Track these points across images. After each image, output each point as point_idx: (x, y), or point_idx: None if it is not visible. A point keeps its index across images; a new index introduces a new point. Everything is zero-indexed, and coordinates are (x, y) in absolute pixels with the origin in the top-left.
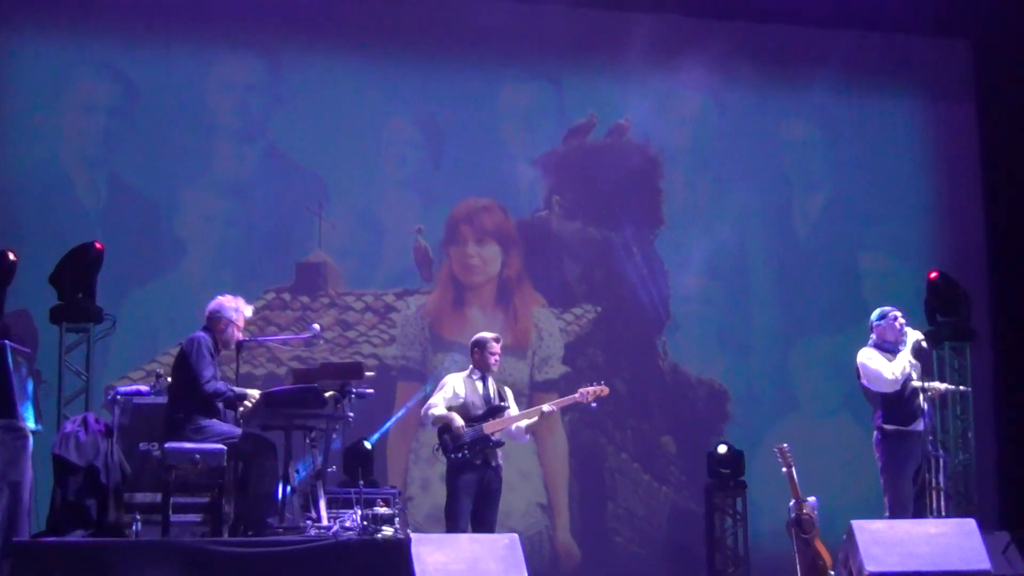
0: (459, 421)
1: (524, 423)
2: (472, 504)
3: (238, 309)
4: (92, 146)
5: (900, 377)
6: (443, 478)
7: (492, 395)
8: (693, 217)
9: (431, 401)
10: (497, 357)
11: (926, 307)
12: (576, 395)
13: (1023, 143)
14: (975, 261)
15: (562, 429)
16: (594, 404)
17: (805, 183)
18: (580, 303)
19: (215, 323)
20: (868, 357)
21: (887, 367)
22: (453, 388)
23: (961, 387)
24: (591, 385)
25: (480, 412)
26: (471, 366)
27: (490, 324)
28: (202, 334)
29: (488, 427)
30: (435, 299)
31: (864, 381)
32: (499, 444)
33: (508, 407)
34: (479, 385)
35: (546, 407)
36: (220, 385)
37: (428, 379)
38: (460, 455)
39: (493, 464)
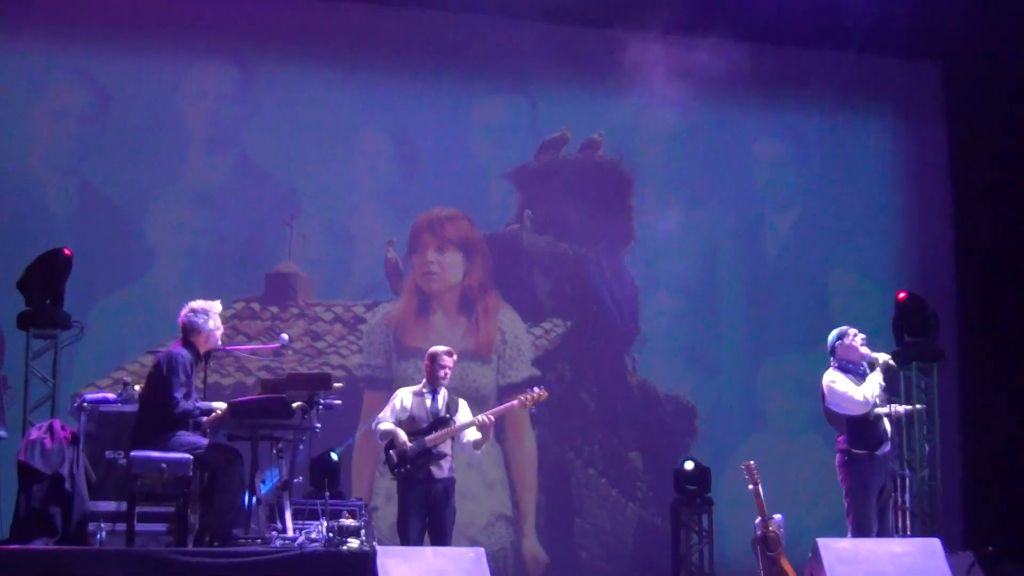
0: (403, 436)
1: (471, 438)
2: (426, 517)
3: (208, 314)
4: (63, 152)
5: (872, 400)
6: None
7: (440, 408)
8: (664, 233)
9: (379, 416)
10: (448, 371)
11: (894, 327)
12: (514, 402)
13: (993, 165)
14: (944, 281)
15: (532, 439)
16: (533, 409)
17: (776, 201)
18: (550, 317)
19: (194, 336)
20: (834, 380)
21: (857, 390)
22: (401, 402)
23: (917, 405)
24: (531, 391)
25: (424, 425)
26: (424, 379)
27: (453, 331)
28: (181, 351)
29: (430, 440)
30: (400, 307)
31: (830, 404)
32: (442, 456)
33: (453, 419)
34: (428, 399)
35: (480, 417)
36: (188, 405)
37: (393, 387)
38: (403, 470)
39: (438, 476)
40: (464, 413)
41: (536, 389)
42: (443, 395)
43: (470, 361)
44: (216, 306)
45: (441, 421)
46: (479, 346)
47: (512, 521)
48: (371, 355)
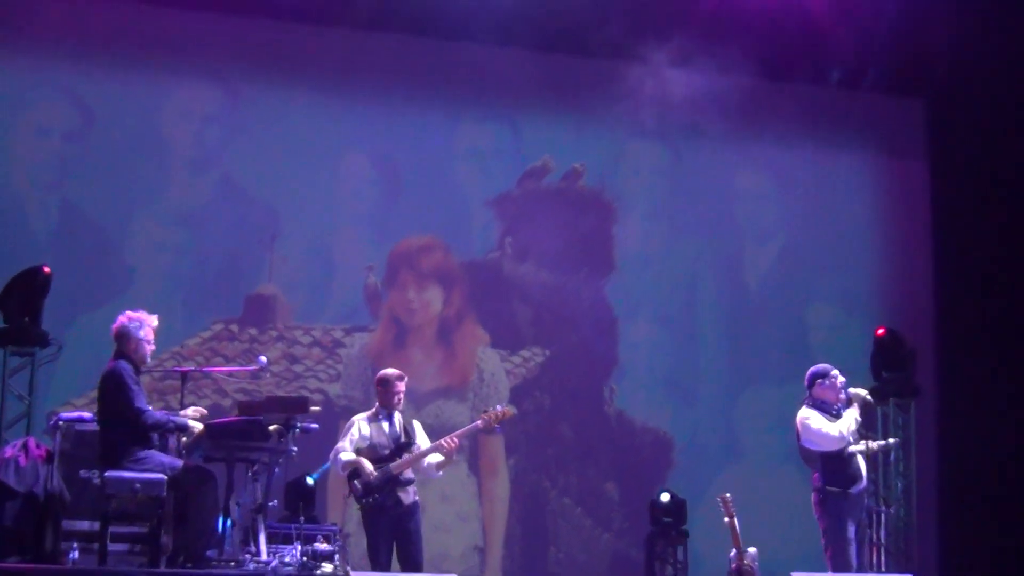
0: (368, 467)
1: (433, 460)
2: (394, 545)
3: (142, 323)
4: (45, 170)
5: (847, 435)
6: None
7: (399, 433)
8: (644, 263)
9: (339, 446)
10: (400, 396)
11: (872, 362)
12: (478, 422)
13: (973, 202)
14: (923, 317)
15: (505, 474)
16: (498, 428)
17: (757, 234)
18: (529, 345)
19: (125, 345)
20: (808, 416)
21: (832, 426)
22: (359, 430)
23: (891, 440)
24: (494, 408)
25: (387, 452)
26: (376, 405)
27: (430, 364)
28: (119, 363)
29: (396, 467)
30: (377, 339)
31: (805, 442)
32: (409, 481)
33: (415, 444)
34: (384, 425)
35: (445, 440)
36: (159, 415)
37: None
38: (371, 499)
39: (406, 502)
40: (422, 436)
41: (500, 407)
42: (398, 419)
43: (446, 398)
44: (152, 320)
45: (404, 446)
46: (455, 380)
47: (484, 551)
48: (349, 386)
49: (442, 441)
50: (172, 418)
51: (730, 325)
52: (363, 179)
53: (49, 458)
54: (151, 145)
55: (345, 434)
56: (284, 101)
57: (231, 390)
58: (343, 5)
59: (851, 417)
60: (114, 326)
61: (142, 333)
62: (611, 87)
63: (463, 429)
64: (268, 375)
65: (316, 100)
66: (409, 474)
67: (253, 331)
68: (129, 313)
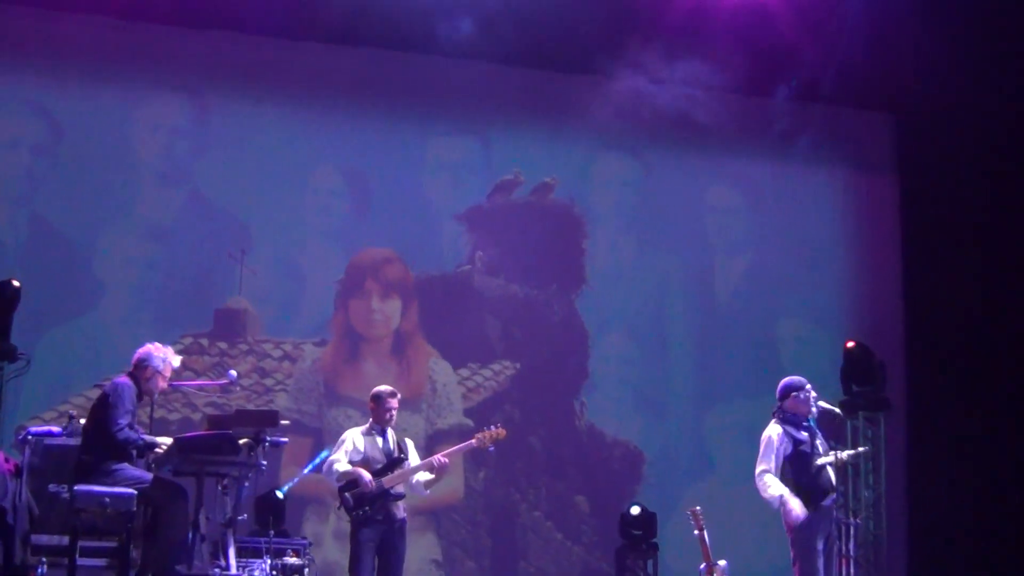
0: (367, 476)
1: (423, 478)
2: (376, 560)
3: (166, 359)
4: (13, 183)
5: (774, 501)
6: (336, 535)
7: (392, 448)
8: (615, 278)
9: (333, 457)
10: (393, 412)
11: (842, 376)
12: (472, 441)
13: (942, 217)
14: (892, 331)
15: (460, 474)
16: (491, 448)
17: (727, 248)
18: (499, 359)
19: (141, 371)
20: (768, 438)
21: (771, 479)
22: (353, 443)
23: (860, 448)
24: (488, 428)
25: (380, 466)
26: (370, 420)
27: (384, 377)
28: (127, 381)
29: (388, 481)
30: (330, 352)
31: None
32: (400, 496)
33: (407, 459)
34: (379, 440)
35: (436, 458)
36: (131, 434)
37: (323, 435)
38: (362, 511)
39: (398, 517)
40: (413, 454)
41: (494, 427)
42: (392, 435)
43: (400, 408)
44: (176, 360)
45: (396, 461)
46: (409, 392)
47: (441, 564)
48: (300, 400)
49: (432, 459)
50: (142, 436)
51: (700, 339)
52: (333, 193)
53: (18, 472)
54: (120, 159)
55: (338, 447)
56: (253, 115)
57: (201, 404)
58: (313, 19)
59: (781, 490)
60: (139, 351)
61: (162, 367)
62: (581, 101)
63: (456, 448)
64: (238, 389)
65: (286, 114)
66: (400, 489)
67: (223, 345)
68: (158, 345)
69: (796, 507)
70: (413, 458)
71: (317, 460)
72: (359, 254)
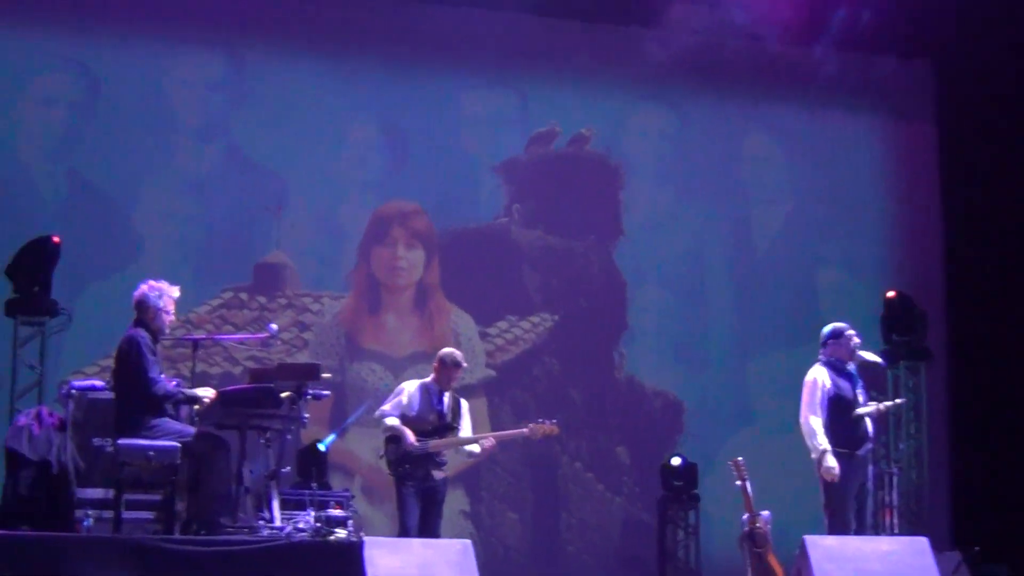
0: (411, 438)
1: (468, 448)
2: (418, 509)
3: (162, 294)
4: (52, 140)
5: (810, 444)
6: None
7: (446, 411)
8: (653, 228)
9: (387, 409)
10: (454, 382)
11: (882, 325)
12: (525, 430)
13: (982, 164)
14: (932, 280)
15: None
16: (540, 440)
17: (765, 198)
18: (538, 311)
19: (144, 313)
20: (812, 380)
21: (818, 426)
22: (408, 396)
23: (898, 400)
24: (542, 422)
25: (430, 428)
26: (432, 376)
27: (405, 331)
28: (137, 331)
29: (434, 445)
30: (351, 304)
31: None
32: (443, 463)
33: (459, 428)
34: (433, 400)
35: (484, 442)
36: (170, 386)
37: (345, 391)
38: (401, 469)
39: (437, 477)
40: (467, 419)
41: (548, 423)
42: (449, 398)
43: (423, 362)
44: (173, 291)
45: (447, 428)
46: (432, 345)
47: (469, 516)
48: (321, 355)
49: (483, 441)
50: (183, 389)
51: (739, 289)
52: (369, 146)
53: (62, 427)
54: (157, 114)
55: (392, 398)
56: (289, 69)
57: (242, 358)
58: None
59: (823, 443)
60: (135, 294)
61: (161, 303)
62: (617, 51)
63: (507, 432)
64: (278, 343)
65: (321, 67)
66: (444, 458)
67: (262, 299)
68: (151, 282)
69: (834, 466)
70: (466, 422)
71: (357, 414)
72: (384, 205)
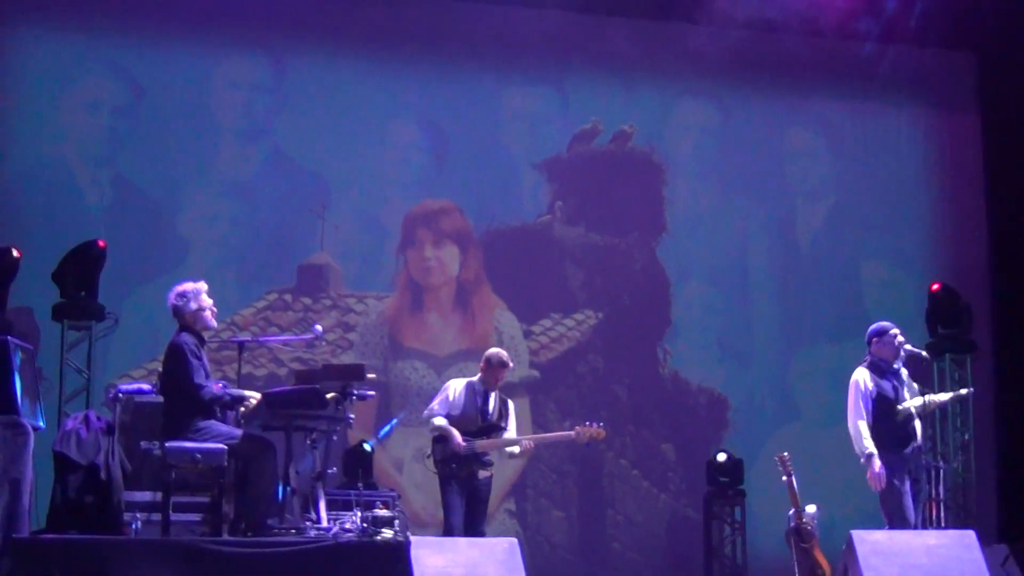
0: (458, 438)
1: (511, 449)
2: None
3: (190, 294)
4: (96, 144)
5: (856, 448)
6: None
7: (491, 411)
8: (696, 224)
9: (432, 406)
10: (500, 382)
11: (927, 318)
12: (571, 433)
13: None
14: (977, 272)
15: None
16: (587, 444)
17: (808, 192)
18: (582, 309)
19: (183, 320)
20: (856, 381)
21: (865, 429)
22: (454, 393)
23: (963, 391)
24: (589, 425)
25: (475, 428)
26: (479, 376)
27: (448, 329)
28: (181, 337)
29: (481, 445)
30: (393, 304)
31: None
32: (489, 464)
33: (505, 428)
34: (479, 399)
35: (526, 440)
36: (216, 390)
37: (390, 390)
38: (449, 468)
39: (481, 477)
40: (513, 421)
41: (595, 426)
42: (495, 398)
43: (466, 361)
44: (200, 286)
45: (492, 428)
46: (474, 343)
47: (516, 515)
48: (366, 355)
49: (524, 443)
50: (229, 391)
51: (783, 284)
52: (411, 145)
53: (109, 430)
54: (200, 117)
55: (438, 396)
56: (331, 70)
57: (287, 359)
58: None
59: (870, 446)
60: (169, 304)
61: (194, 304)
62: (658, 47)
63: (554, 434)
64: (323, 343)
65: (363, 68)
66: (490, 458)
67: (307, 300)
68: (177, 289)
69: (879, 472)
70: (512, 423)
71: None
72: (415, 206)
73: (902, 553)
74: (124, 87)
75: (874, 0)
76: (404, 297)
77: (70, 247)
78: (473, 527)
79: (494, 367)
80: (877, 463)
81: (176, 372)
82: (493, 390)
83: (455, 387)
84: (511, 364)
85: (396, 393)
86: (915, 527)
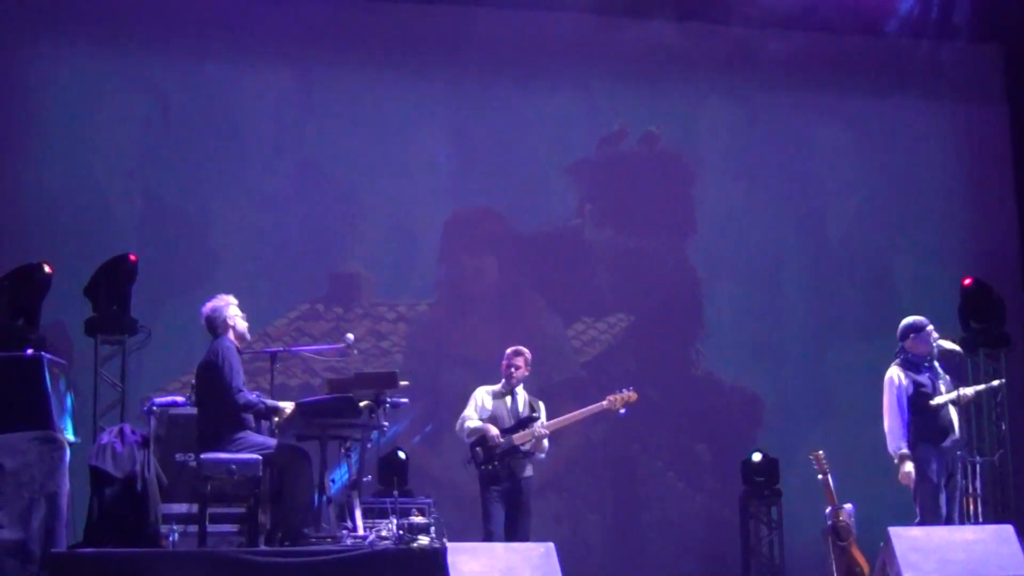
0: (494, 431)
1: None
2: (504, 515)
3: (218, 309)
4: (126, 159)
5: (890, 449)
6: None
7: (520, 408)
8: (725, 224)
9: (465, 414)
10: (517, 369)
11: (960, 313)
12: (604, 403)
13: None
14: (1009, 266)
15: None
16: (623, 411)
17: (837, 188)
18: (613, 312)
19: (219, 328)
20: (891, 379)
21: (895, 423)
22: (481, 401)
23: (995, 382)
24: (620, 391)
25: (508, 425)
26: (502, 380)
27: (492, 334)
28: (225, 338)
29: (517, 438)
30: (437, 311)
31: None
32: (529, 454)
33: (538, 418)
34: (507, 399)
35: (538, 428)
36: (252, 396)
37: (437, 396)
38: (490, 467)
39: (521, 476)
40: (543, 413)
41: (626, 391)
42: (521, 395)
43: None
44: (229, 299)
45: (526, 420)
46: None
47: (551, 519)
48: (414, 361)
49: (557, 421)
50: (264, 400)
51: (815, 281)
52: (438, 152)
53: (145, 443)
54: (228, 130)
55: (469, 404)
56: (356, 80)
57: (320, 369)
58: None
59: (905, 458)
60: (204, 318)
61: (228, 313)
62: (684, 48)
63: (586, 409)
64: (355, 353)
65: (388, 77)
66: (529, 447)
67: (339, 309)
68: (209, 305)
69: (910, 471)
70: (543, 416)
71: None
72: (452, 214)
73: (940, 549)
74: (153, 102)
75: None
76: (445, 304)
77: (102, 262)
78: (516, 533)
79: (508, 357)
80: (908, 465)
81: (215, 376)
82: (516, 385)
83: (480, 393)
84: (527, 352)
85: (444, 400)
86: (950, 522)
